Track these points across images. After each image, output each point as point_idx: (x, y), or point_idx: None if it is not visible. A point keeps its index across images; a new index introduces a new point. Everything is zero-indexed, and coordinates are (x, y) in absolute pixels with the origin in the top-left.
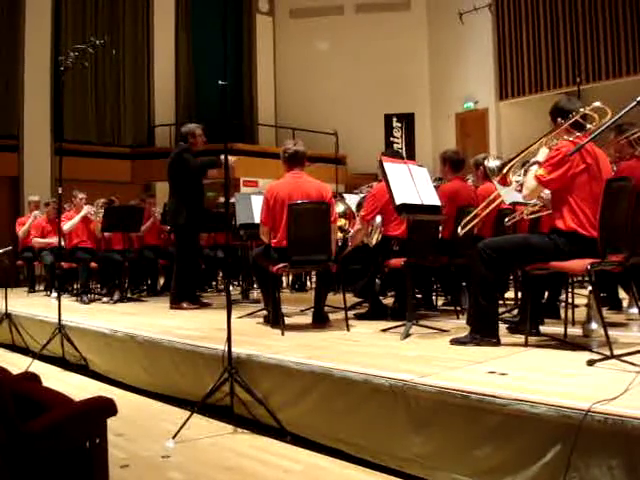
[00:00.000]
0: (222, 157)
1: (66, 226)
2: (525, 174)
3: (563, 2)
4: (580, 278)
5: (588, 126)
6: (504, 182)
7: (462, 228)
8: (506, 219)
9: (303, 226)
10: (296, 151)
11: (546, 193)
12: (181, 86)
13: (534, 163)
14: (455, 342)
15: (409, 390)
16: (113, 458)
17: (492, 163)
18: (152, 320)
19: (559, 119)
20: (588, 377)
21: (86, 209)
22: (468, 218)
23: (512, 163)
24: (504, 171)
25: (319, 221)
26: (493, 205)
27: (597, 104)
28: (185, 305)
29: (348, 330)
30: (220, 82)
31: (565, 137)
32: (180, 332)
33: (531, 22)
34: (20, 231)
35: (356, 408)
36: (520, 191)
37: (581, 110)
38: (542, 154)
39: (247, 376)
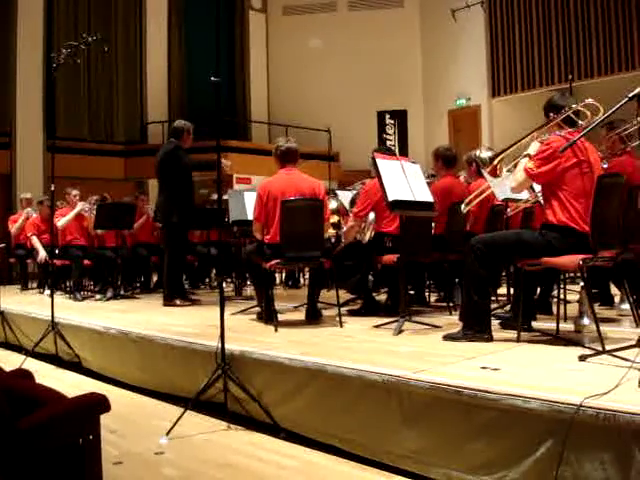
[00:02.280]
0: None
1: (60, 222)
2: (515, 166)
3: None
4: (572, 274)
5: (580, 122)
6: (494, 173)
7: (466, 205)
8: (508, 209)
9: (296, 223)
10: (288, 148)
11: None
12: (174, 83)
13: (525, 156)
14: (448, 338)
15: (402, 386)
16: (106, 455)
17: (484, 154)
18: (145, 317)
19: (551, 114)
20: (580, 372)
21: (80, 206)
22: (472, 196)
23: (503, 155)
24: (495, 162)
25: (312, 218)
26: (483, 195)
27: (589, 101)
28: (178, 302)
29: (341, 326)
30: (213, 79)
31: (556, 132)
32: (173, 329)
33: (523, 19)
34: (13, 228)
35: (350, 404)
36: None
37: (573, 106)
38: (533, 147)
39: (241, 373)
